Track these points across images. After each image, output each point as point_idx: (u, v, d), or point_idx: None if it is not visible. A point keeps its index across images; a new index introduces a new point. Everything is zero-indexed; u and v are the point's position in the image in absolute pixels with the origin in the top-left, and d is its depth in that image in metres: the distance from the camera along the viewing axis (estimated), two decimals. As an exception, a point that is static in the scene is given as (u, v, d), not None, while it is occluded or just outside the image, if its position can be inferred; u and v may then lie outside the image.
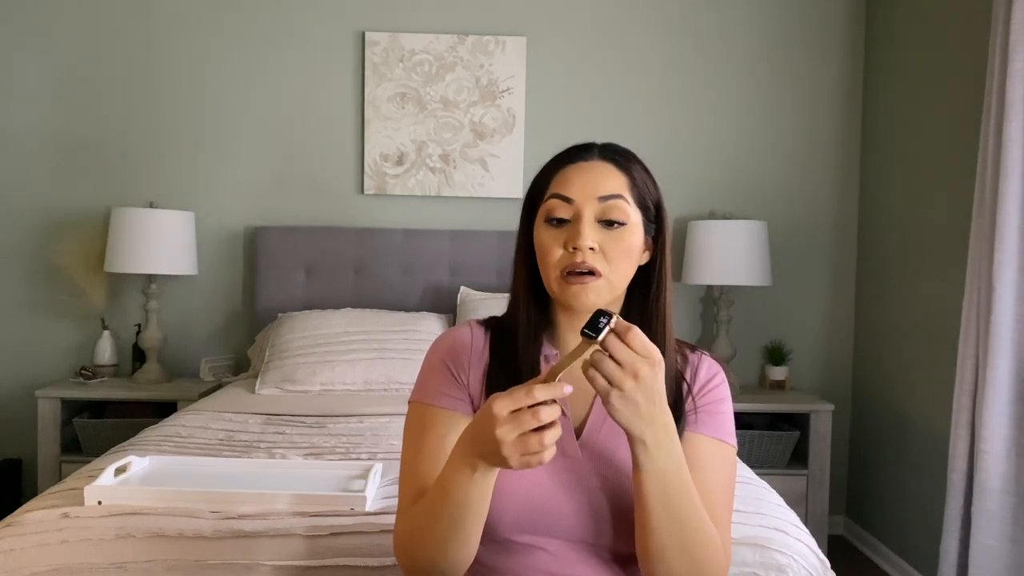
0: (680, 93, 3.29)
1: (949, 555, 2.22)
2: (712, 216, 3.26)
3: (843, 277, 3.34)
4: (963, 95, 2.55)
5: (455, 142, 3.23)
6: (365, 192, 3.24)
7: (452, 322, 3.01)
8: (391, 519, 1.42)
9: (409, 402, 1.09)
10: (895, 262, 2.99)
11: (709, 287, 3.31)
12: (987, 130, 2.19)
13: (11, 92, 3.18)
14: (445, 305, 3.12)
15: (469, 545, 0.94)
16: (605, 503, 1.00)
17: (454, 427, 1.02)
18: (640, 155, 1.09)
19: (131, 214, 2.96)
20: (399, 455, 1.09)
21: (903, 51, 2.99)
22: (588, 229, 1.00)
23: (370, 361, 2.72)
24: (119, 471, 1.59)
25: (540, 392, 0.81)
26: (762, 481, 1.77)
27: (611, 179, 1.03)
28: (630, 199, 1.03)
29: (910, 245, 2.89)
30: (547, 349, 1.07)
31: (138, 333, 3.13)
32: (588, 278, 0.99)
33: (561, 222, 1.02)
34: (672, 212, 3.06)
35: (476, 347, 1.08)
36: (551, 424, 0.82)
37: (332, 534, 1.43)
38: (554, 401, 0.82)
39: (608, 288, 1.01)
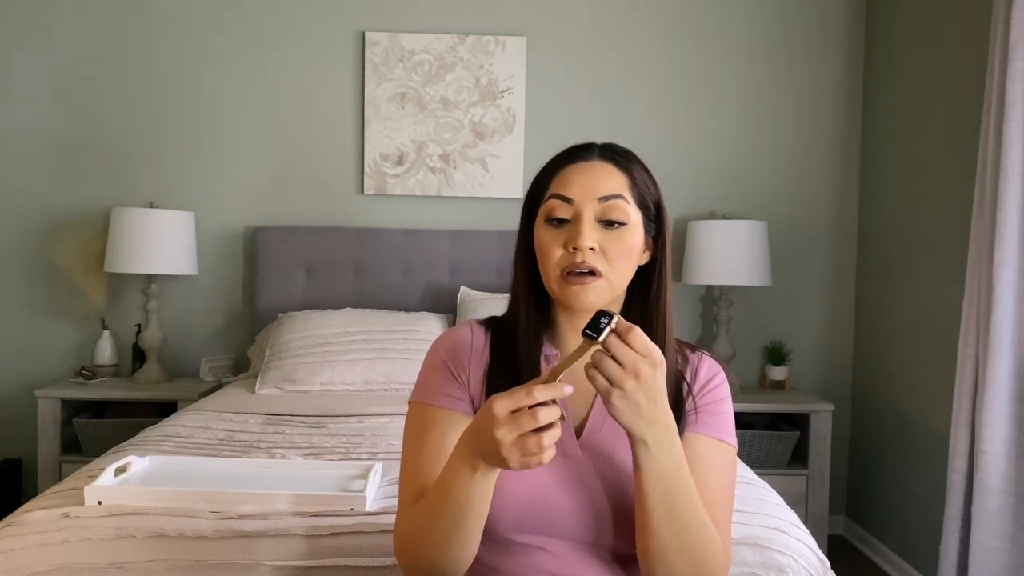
0: (680, 93, 3.29)
1: (949, 555, 2.22)
2: (712, 216, 3.27)
3: (843, 277, 3.34)
4: (963, 95, 2.55)
5: (455, 142, 3.23)
6: (365, 192, 3.24)
7: (452, 322, 3.01)
8: (391, 519, 1.42)
9: (409, 402, 1.09)
10: (895, 262, 2.99)
11: (709, 287, 3.31)
12: (987, 130, 2.19)
13: (11, 92, 3.18)
14: (445, 305, 3.12)
15: (470, 545, 0.94)
16: (605, 503, 1.00)
17: (454, 427, 1.02)
18: (640, 155, 1.09)
19: (131, 214, 2.96)
20: (399, 455, 1.09)
21: (903, 51, 2.99)
22: (588, 229, 1.00)
23: (370, 361, 2.72)
24: (119, 471, 1.59)
25: (540, 393, 0.81)
26: (762, 481, 1.77)
27: (611, 179, 1.03)
28: (630, 199, 1.03)
29: (910, 245, 2.89)
30: (547, 349, 1.07)
31: (138, 333, 3.13)
32: (588, 278, 0.99)
33: (561, 222, 1.02)
34: (672, 212, 3.06)
35: (476, 347, 1.08)
36: (550, 425, 0.81)
37: (332, 534, 1.43)
38: (554, 402, 0.82)
39: (608, 288, 1.01)
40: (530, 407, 0.81)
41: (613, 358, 0.83)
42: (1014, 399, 2.11)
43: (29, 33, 3.18)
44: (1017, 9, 2.06)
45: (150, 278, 3.08)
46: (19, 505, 1.93)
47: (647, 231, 1.05)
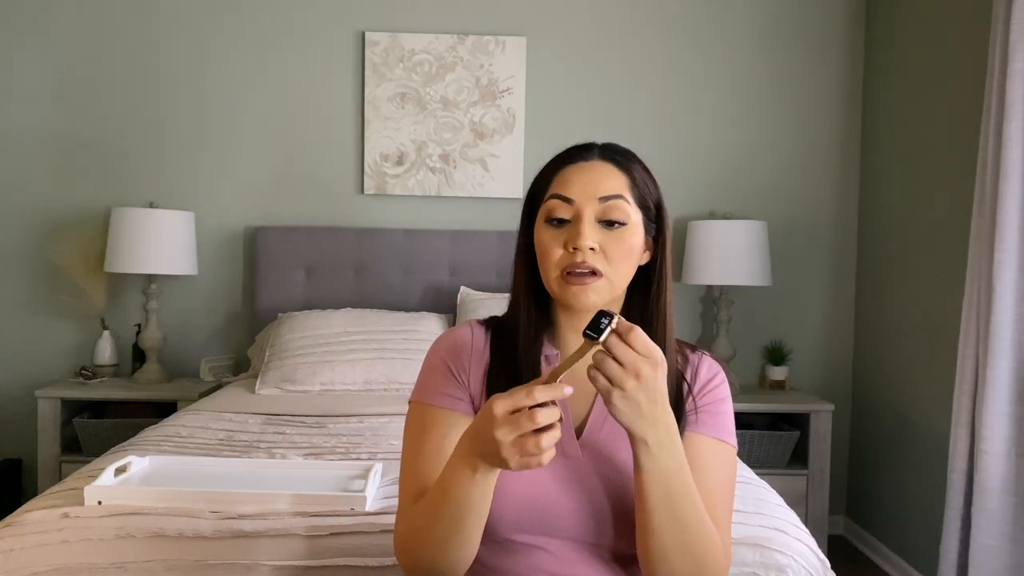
0: (680, 93, 3.29)
1: (949, 555, 2.22)
2: (712, 216, 3.27)
3: (843, 277, 3.34)
4: (963, 95, 2.55)
5: (455, 142, 3.23)
6: (365, 192, 3.24)
7: (452, 322, 3.01)
8: (391, 519, 1.42)
9: (409, 402, 1.09)
10: (895, 262, 2.99)
11: (709, 287, 3.31)
12: (987, 130, 2.19)
13: (11, 92, 3.18)
14: (445, 305, 3.12)
15: (470, 545, 0.94)
16: (606, 503, 1.00)
17: (454, 427, 1.02)
18: (640, 155, 1.09)
19: (131, 214, 2.96)
20: (399, 455, 1.09)
21: (903, 51, 2.99)
22: (588, 229, 1.00)
23: (370, 361, 2.72)
24: (119, 471, 1.59)
25: (540, 393, 0.81)
26: (762, 481, 1.77)
27: (611, 179, 1.03)
28: (630, 199, 1.03)
29: (910, 245, 2.89)
30: (548, 349, 1.07)
31: (138, 333, 3.13)
32: (588, 278, 0.99)
33: (561, 222, 1.02)
34: (672, 212, 3.04)
35: (477, 347, 1.08)
36: (550, 426, 0.81)
37: (332, 534, 1.43)
38: (554, 403, 0.82)
39: (608, 288, 1.01)
40: (530, 408, 0.81)
41: (614, 358, 0.83)
42: (1014, 399, 2.11)
43: (29, 33, 3.18)
44: (1017, 9, 2.06)
45: (150, 278, 3.08)
46: (19, 505, 1.93)
47: (647, 231, 1.05)
